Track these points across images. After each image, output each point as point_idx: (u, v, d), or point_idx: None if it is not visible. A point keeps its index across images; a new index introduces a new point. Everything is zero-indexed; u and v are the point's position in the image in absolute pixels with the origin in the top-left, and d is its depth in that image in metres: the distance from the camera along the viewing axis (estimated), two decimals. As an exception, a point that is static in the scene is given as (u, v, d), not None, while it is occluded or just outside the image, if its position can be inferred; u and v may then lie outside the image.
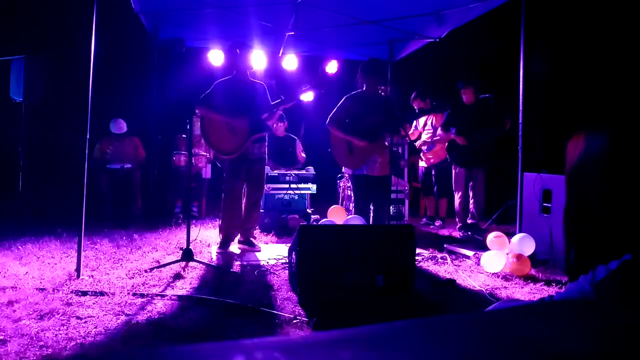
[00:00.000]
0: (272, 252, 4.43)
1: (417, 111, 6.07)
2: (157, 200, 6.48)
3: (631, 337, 0.33)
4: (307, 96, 4.65)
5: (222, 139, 4.28)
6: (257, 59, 5.57)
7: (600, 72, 7.41)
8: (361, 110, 4.19)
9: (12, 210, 5.47)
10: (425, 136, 6.26)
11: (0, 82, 5.37)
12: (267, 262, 4.03)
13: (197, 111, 4.38)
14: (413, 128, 6.35)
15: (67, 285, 3.22)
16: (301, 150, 5.79)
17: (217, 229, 4.57)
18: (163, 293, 3.14)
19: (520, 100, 4.52)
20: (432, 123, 6.18)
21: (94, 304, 2.92)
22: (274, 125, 5.70)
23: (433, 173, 6.28)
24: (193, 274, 3.60)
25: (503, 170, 5.84)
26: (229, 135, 4.28)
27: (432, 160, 6.26)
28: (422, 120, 6.31)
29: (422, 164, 6.49)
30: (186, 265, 3.73)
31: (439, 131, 5.74)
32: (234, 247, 4.52)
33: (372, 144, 4.16)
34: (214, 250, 4.43)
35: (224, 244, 4.43)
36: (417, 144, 6.32)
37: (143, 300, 3.01)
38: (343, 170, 5.73)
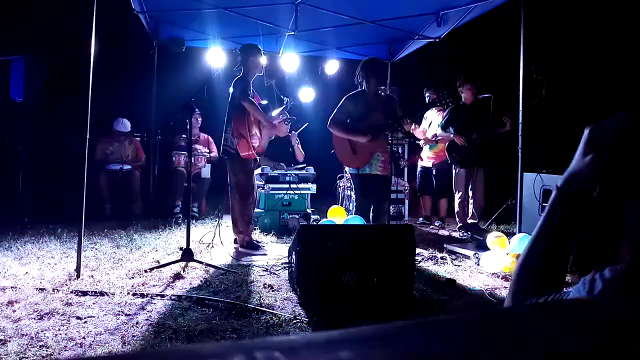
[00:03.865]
0: (272, 252, 4.44)
1: (427, 102, 6.04)
2: (157, 200, 6.47)
3: (633, 336, 0.33)
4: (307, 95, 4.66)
5: (259, 138, 4.43)
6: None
7: (601, 72, 7.41)
8: (362, 110, 4.19)
9: (12, 210, 5.47)
10: (430, 134, 6.23)
11: (0, 82, 5.36)
12: (267, 262, 4.03)
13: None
14: (416, 126, 6.30)
15: (67, 285, 3.22)
16: (299, 149, 5.78)
17: (233, 231, 4.57)
18: (163, 293, 3.14)
19: (520, 100, 4.52)
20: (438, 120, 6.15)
21: (94, 304, 2.92)
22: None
23: (434, 173, 6.24)
24: (193, 274, 3.60)
25: (503, 170, 5.84)
26: (260, 135, 4.43)
27: (433, 161, 6.23)
28: (429, 117, 6.27)
29: (420, 163, 6.45)
30: (186, 265, 3.73)
31: (439, 131, 5.73)
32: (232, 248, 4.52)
33: (375, 143, 4.16)
34: (217, 251, 4.43)
35: (251, 245, 4.47)
36: (422, 141, 6.29)
37: (143, 300, 3.01)
38: (345, 170, 5.72)
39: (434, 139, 6.12)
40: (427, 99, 6.14)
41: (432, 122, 6.21)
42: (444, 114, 5.62)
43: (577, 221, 0.73)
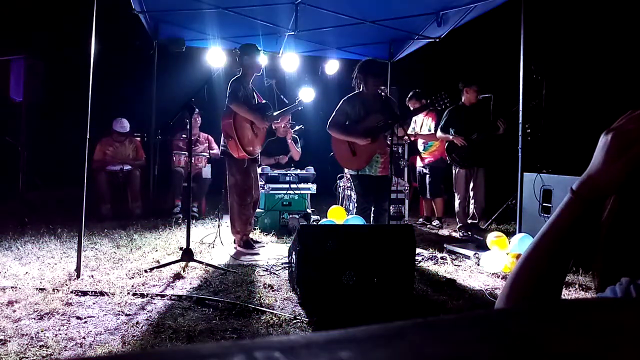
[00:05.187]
0: (272, 252, 4.44)
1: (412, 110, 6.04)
2: (157, 200, 6.48)
3: (634, 338, 0.33)
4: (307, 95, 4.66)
5: (251, 139, 4.37)
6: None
7: (601, 71, 7.41)
8: (361, 111, 4.18)
9: (12, 210, 5.47)
10: (423, 132, 6.24)
11: (0, 82, 5.36)
12: (267, 262, 4.04)
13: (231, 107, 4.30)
14: (411, 129, 6.32)
15: (67, 285, 3.22)
16: (294, 147, 5.77)
17: (231, 231, 4.58)
18: (163, 293, 3.14)
19: (520, 100, 4.52)
20: (428, 124, 6.16)
21: (94, 304, 2.92)
22: (282, 127, 5.56)
23: (427, 172, 6.24)
24: (193, 274, 3.60)
25: (503, 170, 5.84)
26: (254, 135, 4.39)
27: (427, 160, 6.24)
28: (419, 120, 6.29)
29: (418, 165, 6.47)
30: (186, 265, 3.73)
31: (438, 133, 5.71)
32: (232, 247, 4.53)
33: (374, 144, 4.15)
34: (217, 251, 4.43)
35: (247, 244, 4.50)
36: (420, 143, 6.30)
37: (143, 300, 3.01)
38: (345, 170, 5.72)
39: (421, 137, 6.15)
40: (411, 109, 6.12)
41: (423, 123, 6.21)
42: (444, 114, 5.61)
43: (593, 227, 0.71)
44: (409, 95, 6.22)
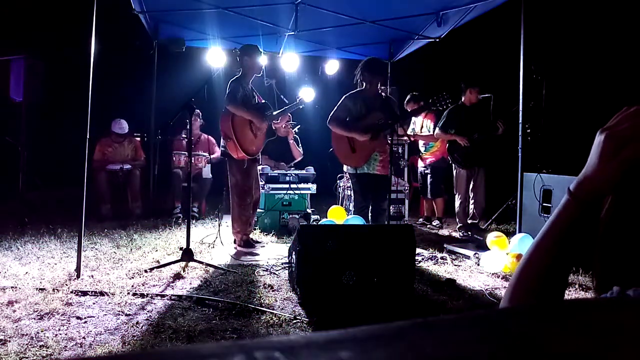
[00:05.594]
0: (272, 252, 4.44)
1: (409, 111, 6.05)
2: (157, 200, 6.47)
3: (632, 339, 0.33)
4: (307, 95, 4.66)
5: (251, 140, 4.34)
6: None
7: (601, 71, 7.41)
8: (362, 109, 4.19)
9: (12, 210, 5.47)
10: (424, 133, 6.25)
11: (0, 82, 5.37)
12: (267, 262, 4.04)
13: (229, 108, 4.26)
14: (410, 130, 6.32)
15: (67, 285, 3.22)
16: (295, 147, 5.76)
17: (232, 231, 4.60)
18: (163, 293, 3.14)
19: (520, 100, 4.52)
20: (427, 125, 6.16)
21: (94, 304, 2.92)
22: (283, 127, 5.51)
23: (428, 172, 6.25)
24: (193, 274, 3.60)
25: (503, 170, 5.84)
26: (254, 135, 4.37)
27: (428, 160, 6.24)
28: (418, 122, 6.29)
29: (419, 165, 6.48)
30: (186, 265, 3.73)
31: (437, 131, 5.71)
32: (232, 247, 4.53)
33: (374, 142, 4.16)
34: (217, 251, 4.43)
35: (248, 244, 4.52)
36: (421, 144, 6.31)
37: (143, 300, 3.01)
38: (344, 170, 5.72)
39: (420, 139, 6.15)
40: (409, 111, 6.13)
41: (423, 124, 6.21)
42: (444, 114, 5.61)
43: (592, 228, 0.70)
44: (407, 99, 6.22)
